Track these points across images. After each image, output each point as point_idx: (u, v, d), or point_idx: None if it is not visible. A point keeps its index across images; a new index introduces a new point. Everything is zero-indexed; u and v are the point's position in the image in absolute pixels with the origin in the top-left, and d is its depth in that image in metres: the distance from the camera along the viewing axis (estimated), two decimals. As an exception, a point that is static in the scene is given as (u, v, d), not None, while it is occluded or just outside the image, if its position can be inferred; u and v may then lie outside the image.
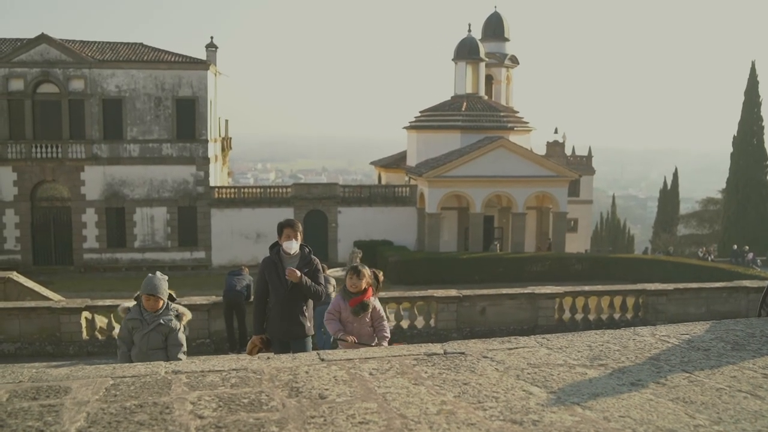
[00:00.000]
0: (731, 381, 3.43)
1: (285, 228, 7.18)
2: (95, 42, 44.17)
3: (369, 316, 6.32)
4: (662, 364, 3.70)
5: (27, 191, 41.17)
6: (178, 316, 7.04)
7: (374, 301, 6.40)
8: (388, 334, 6.41)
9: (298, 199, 43.94)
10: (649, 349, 3.99)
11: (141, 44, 44.69)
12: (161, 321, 6.86)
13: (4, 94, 40.33)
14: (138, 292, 7.01)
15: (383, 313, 6.44)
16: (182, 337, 7.05)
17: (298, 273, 7.00)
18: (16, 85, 40.55)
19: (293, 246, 7.10)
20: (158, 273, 7.07)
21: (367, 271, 6.39)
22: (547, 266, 41.06)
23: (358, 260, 27.50)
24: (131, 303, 7.14)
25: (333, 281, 15.01)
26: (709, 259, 46.27)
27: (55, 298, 18.11)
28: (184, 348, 7.03)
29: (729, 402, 3.13)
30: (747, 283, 19.80)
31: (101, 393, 3.21)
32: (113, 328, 15.44)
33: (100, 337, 15.52)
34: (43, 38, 40.74)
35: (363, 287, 6.27)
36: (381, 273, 6.78)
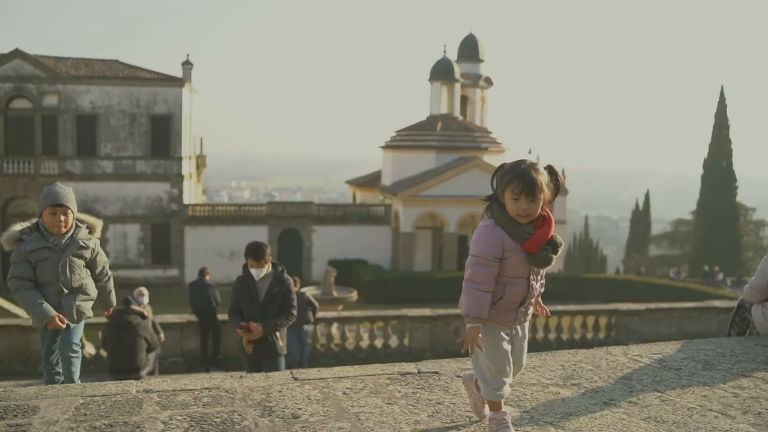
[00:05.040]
0: (702, 400, 3.46)
1: (248, 257, 7.06)
2: (70, 58, 43.82)
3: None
4: (634, 384, 3.73)
5: (-3, 207, 40.62)
6: (90, 229, 5.11)
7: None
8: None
9: (273, 218, 43.78)
10: (622, 369, 4.02)
11: (116, 61, 44.42)
12: (81, 242, 4.95)
13: (-24, 108, 39.88)
14: (36, 215, 4.99)
15: None
16: (104, 254, 5.32)
17: (255, 330, 6.99)
18: (-12, 99, 40.12)
19: (260, 274, 7.04)
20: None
21: (543, 175, 2.96)
22: (521, 286, 41.12)
23: (331, 280, 27.28)
24: (21, 226, 4.98)
25: (315, 303, 14.49)
26: (680, 279, 46.75)
27: (25, 316, 17.82)
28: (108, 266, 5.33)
29: (700, 421, 3.16)
30: (717, 303, 20.04)
31: (70, 412, 3.17)
32: (84, 345, 15.19)
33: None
34: (16, 53, 40.34)
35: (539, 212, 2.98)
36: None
